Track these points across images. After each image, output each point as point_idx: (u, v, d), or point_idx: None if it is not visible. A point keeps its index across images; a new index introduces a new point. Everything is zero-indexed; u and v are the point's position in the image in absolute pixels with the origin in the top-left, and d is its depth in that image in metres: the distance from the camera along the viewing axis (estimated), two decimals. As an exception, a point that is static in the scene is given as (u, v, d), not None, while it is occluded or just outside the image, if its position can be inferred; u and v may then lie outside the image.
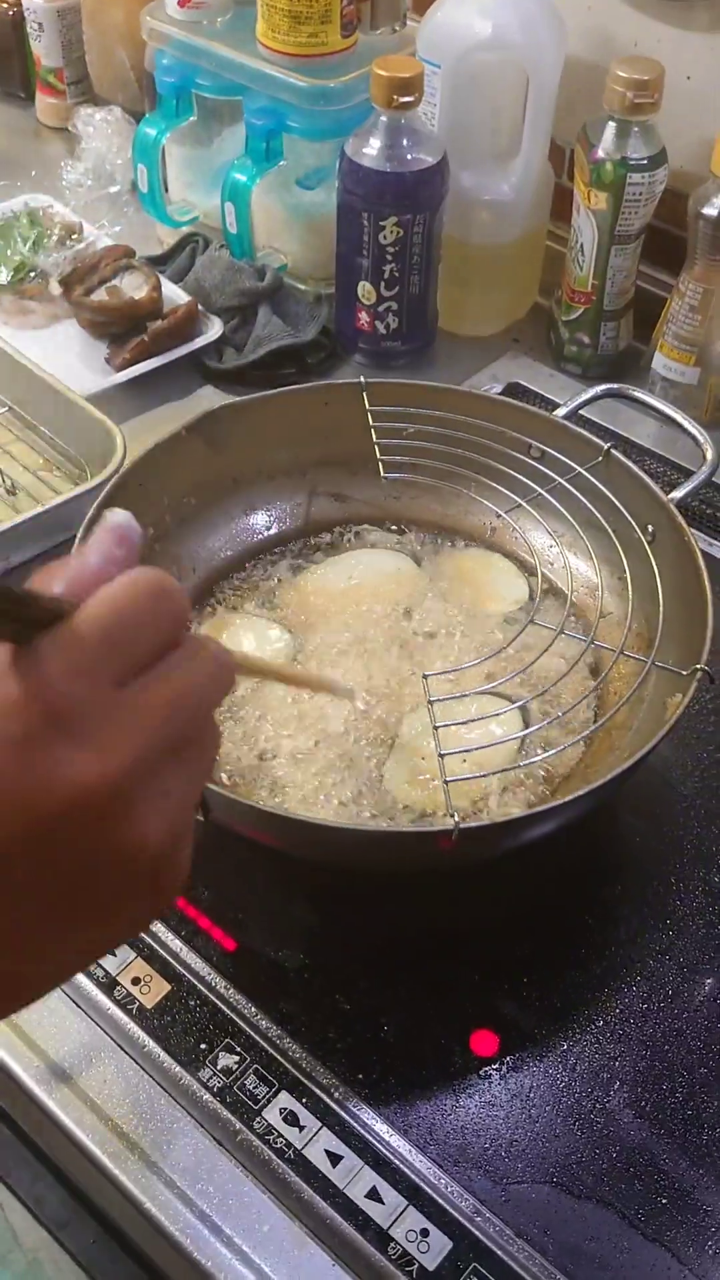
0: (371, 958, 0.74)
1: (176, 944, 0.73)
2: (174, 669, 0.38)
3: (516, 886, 0.76)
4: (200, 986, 0.71)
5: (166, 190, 1.22)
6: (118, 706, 0.37)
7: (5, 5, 1.38)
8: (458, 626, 0.84)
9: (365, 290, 1.08)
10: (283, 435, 0.89)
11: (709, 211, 0.98)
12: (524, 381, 1.11)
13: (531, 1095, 0.68)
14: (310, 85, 1.06)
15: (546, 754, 0.74)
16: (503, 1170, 0.65)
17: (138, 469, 0.82)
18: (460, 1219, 0.63)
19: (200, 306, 1.12)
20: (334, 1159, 0.65)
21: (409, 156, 1.02)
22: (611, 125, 1.01)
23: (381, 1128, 0.66)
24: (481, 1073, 0.69)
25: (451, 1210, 0.63)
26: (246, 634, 0.83)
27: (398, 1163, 0.65)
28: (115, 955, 0.72)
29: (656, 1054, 0.70)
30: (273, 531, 0.90)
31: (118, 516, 0.41)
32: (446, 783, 0.68)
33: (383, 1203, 0.64)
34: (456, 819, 0.64)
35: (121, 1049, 0.69)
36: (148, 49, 1.17)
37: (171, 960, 0.72)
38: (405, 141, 1.02)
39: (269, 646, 0.83)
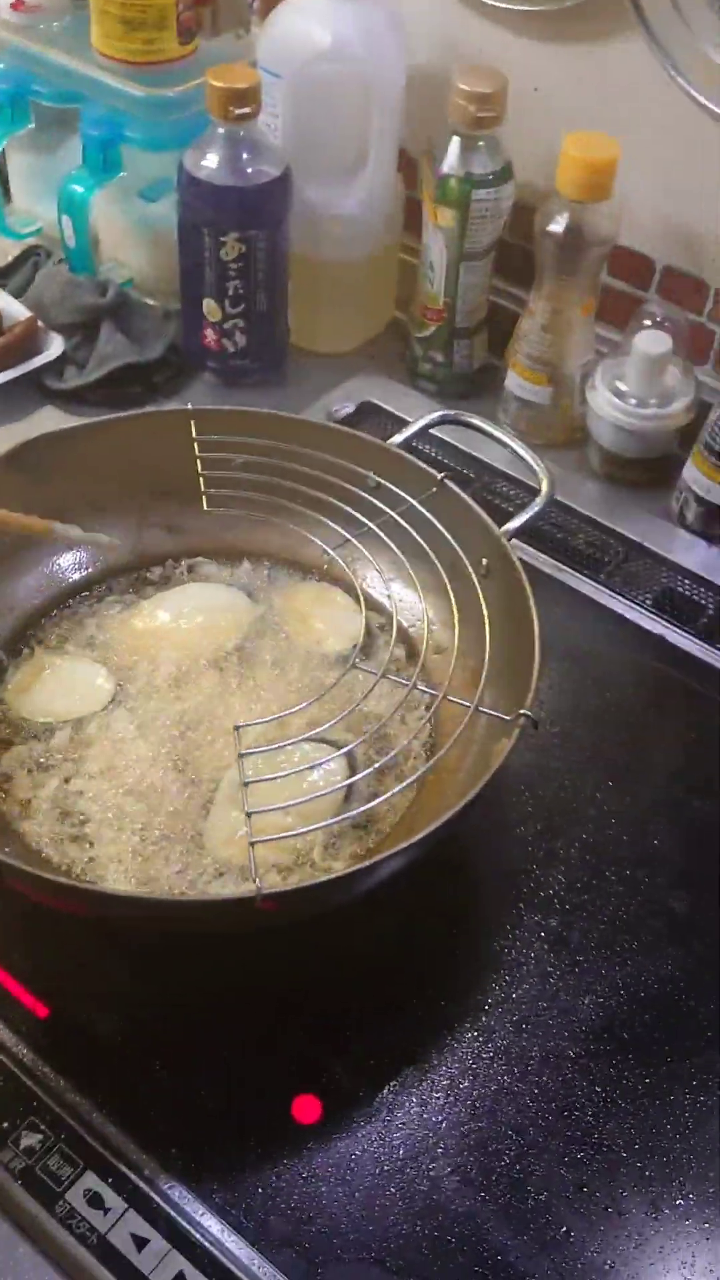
0: (193, 1019, 0.70)
1: (-18, 1013, 0.69)
2: None
3: (346, 939, 0.73)
4: (4, 1059, 0.67)
5: (9, 200, 1.17)
6: None
7: None
8: (288, 666, 0.80)
9: (210, 307, 1.04)
10: (109, 465, 0.84)
11: (554, 229, 0.96)
12: (377, 400, 1.08)
13: (353, 1164, 0.65)
14: (147, 94, 1.02)
15: (366, 805, 0.71)
16: (320, 1247, 0.62)
17: (-54, 504, 0.78)
18: (271, 1305, 0.60)
19: (40, 323, 1.07)
20: (140, 1242, 0.62)
21: (250, 170, 0.98)
22: (456, 140, 0.98)
23: (193, 1207, 0.63)
24: (303, 1141, 0.66)
25: (262, 1295, 0.60)
26: (67, 675, 0.79)
27: (208, 1244, 0.62)
28: None
29: (485, 1114, 0.67)
30: (99, 566, 0.86)
31: None
32: (253, 844, 0.64)
33: (190, 1290, 0.60)
34: (259, 884, 0.60)
35: None
36: (-16, 53, 1.12)
37: (-26, 1032, 0.68)
38: (245, 154, 0.98)
39: (92, 687, 0.79)
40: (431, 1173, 0.65)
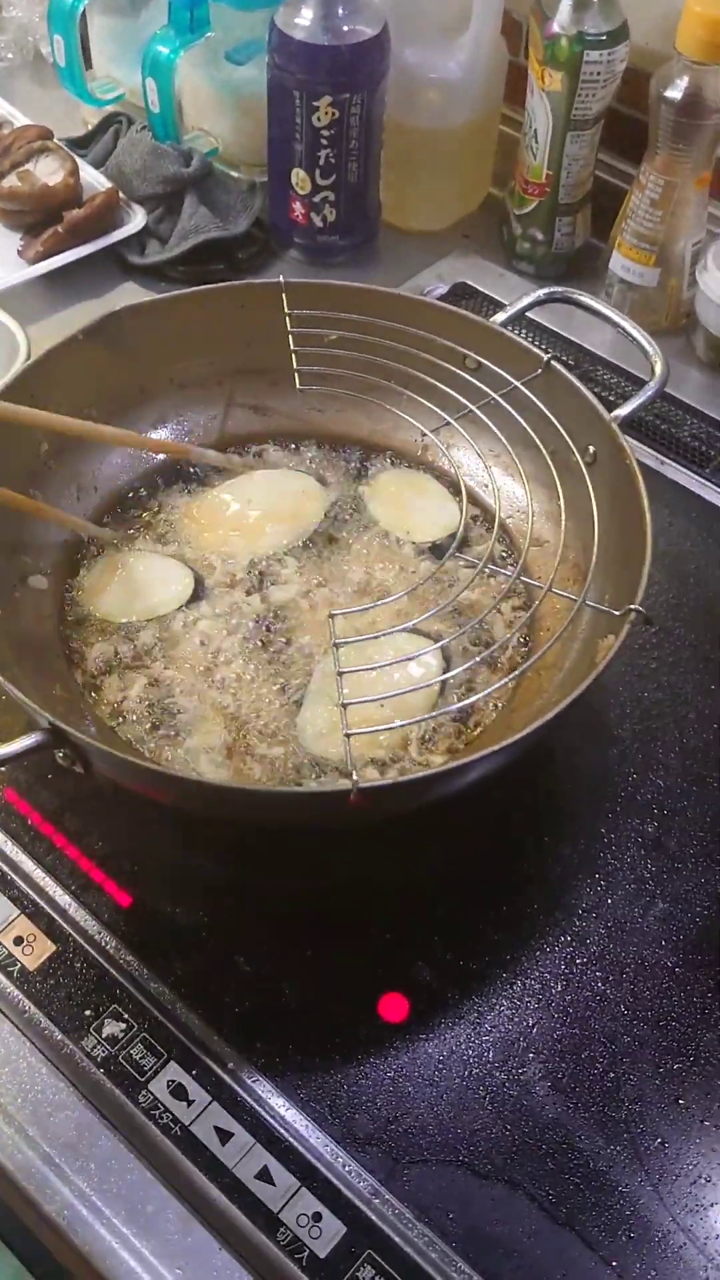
0: (277, 916, 0.69)
1: (65, 899, 0.68)
2: None
3: (434, 839, 0.71)
4: (88, 947, 0.66)
5: (90, 65, 1.12)
6: None
7: None
8: (378, 556, 0.77)
9: (300, 178, 0.99)
10: (194, 340, 0.81)
11: (672, 94, 0.90)
12: (472, 281, 1.03)
13: (441, 1065, 0.64)
14: (238, -56, 0.96)
15: (465, 700, 0.68)
16: (405, 1148, 0.61)
17: (29, 376, 0.75)
18: (356, 1202, 0.59)
19: (121, 194, 1.02)
20: (224, 1136, 0.61)
21: (345, 28, 0.92)
22: (568, -5, 0.91)
23: (277, 1102, 0.62)
24: (389, 1041, 0.64)
25: (347, 1192, 0.59)
26: (143, 572, 0.76)
27: (292, 1140, 0.60)
28: (-3, 912, 0.67)
29: (578, 1021, 0.65)
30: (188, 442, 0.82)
31: None
32: (348, 736, 0.62)
33: (274, 1184, 0.59)
34: (355, 778, 0.58)
35: (1, 1014, 0.64)
36: None
37: (58, 918, 0.67)
38: (341, 11, 0.92)
39: (170, 583, 0.76)
40: (521, 1077, 0.63)
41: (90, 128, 1.11)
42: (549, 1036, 0.65)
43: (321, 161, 0.97)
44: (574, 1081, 0.63)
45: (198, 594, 0.76)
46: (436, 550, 0.78)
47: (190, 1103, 0.61)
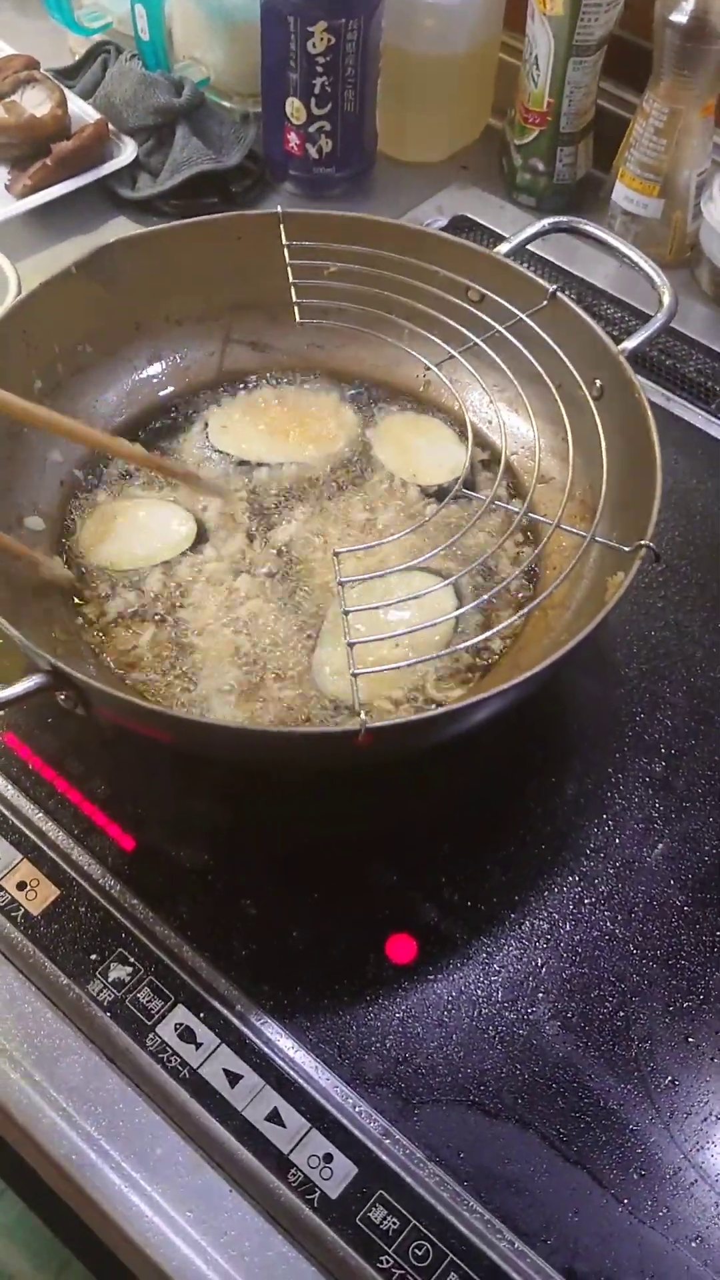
0: (282, 858, 0.68)
1: (68, 843, 0.67)
2: None
3: (440, 781, 0.70)
4: (92, 891, 0.65)
5: (76, -9, 1.08)
6: None
7: None
8: (384, 495, 0.75)
9: (294, 108, 0.96)
10: (191, 274, 0.79)
11: (677, 18, 0.87)
12: (471, 214, 1.01)
13: (450, 1005, 0.63)
14: None
15: (476, 638, 0.67)
16: (415, 1088, 0.60)
17: (20, 312, 0.73)
18: (367, 1142, 0.59)
19: (111, 126, 1.00)
20: (233, 1078, 0.60)
21: (340, -51, 0.90)
22: None
23: (285, 1044, 0.61)
24: (397, 981, 0.64)
25: (358, 1133, 0.59)
26: (143, 519, 0.75)
27: (301, 1082, 0.60)
28: (-2, 858, 0.66)
29: (586, 960, 0.65)
30: (178, 386, 0.81)
31: None
32: (355, 676, 0.61)
33: (284, 1126, 0.59)
34: (364, 718, 0.57)
35: (5, 959, 0.64)
36: None
37: (61, 862, 0.66)
38: (336, -69, 0.89)
39: (171, 528, 0.74)
40: (531, 1017, 0.63)
41: (77, 58, 1.08)
42: (558, 976, 0.64)
43: (317, 90, 0.95)
44: (584, 1021, 0.63)
45: (201, 536, 0.75)
46: (442, 494, 0.76)
47: (198, 1045, 0.61)
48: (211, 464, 0.77)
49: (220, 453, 0.77)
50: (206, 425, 0.79)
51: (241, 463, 0.77)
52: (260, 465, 0.77)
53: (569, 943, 0.65)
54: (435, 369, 0.73)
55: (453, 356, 0.73)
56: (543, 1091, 0.61)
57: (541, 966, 0.65)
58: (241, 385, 0.81)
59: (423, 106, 1.03)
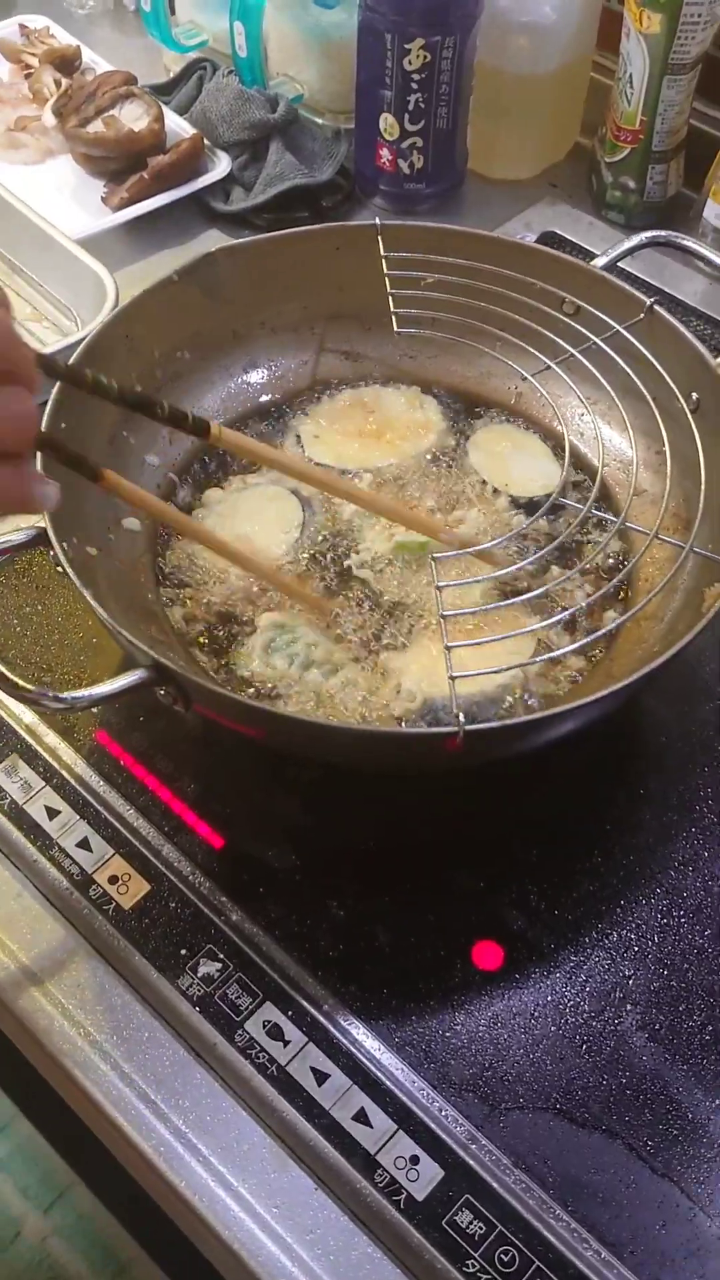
0: (369, 860, 0.68)
1: (158, 840, 0.68)
2: None
3: (529, 786, 0.70)
4: (182, 887, 0.66)
5: (173, 10, 1.10)
6: None
7: None
8: (478, 504, 0.76)
9: (388, 124, 0.97)
10: (288, 284, 0.80)
11: (776, 36, 0.87)
12: (561, 231, 1.01)
13: (536, 1013, 0.63)
14: None
15: (565, 648, 0.67)
16: (502, 1094, 0.60)
17: (124, 319, 0.74)
18: (454, 1146, 0.59)
19: (206, 141, 1.02)
20: (320, 1077, 0.60)
21: (440, -32, 0.91)
22: (669, -66, 0.89)
23: (373, 1045, 0.61)
24: (483, 988, 0.64)
25: (444, 1136, 0.59)
26: (263, 506, 0.76)
27: (388, 1083, 0.60)
28: (91, 851, 0.67)
29: (674, 973, 0.64)
30: (274, 394, 0.82)
31: None
32: (453, 679, 0.61)
33: (371, 1126, 0.59)
34: (463, 720, 0.57)
35: (96, 952, 0.65)
36: None
37: (152, 858, 0.67)
38: (436, -49, 0.90)
39: (279, 518, 0.75)
40: (618, 1027, 0.63)
41: (173, 74, 1.10)
42: (646, 988, 0.64)
43: (411, 107, 0.96)
44: (671, 1033, 0.62)
45: (301, 530, 0.76)
46: (533, 506, 0.76)
47: (286, 1043, 0.61)
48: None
49: (319, 464, 0.78)
50: (299, 438, 0.80)
51: (342, 471, 0.78)
52: (363, 472, 0.77)
53: (656, 955, 0.65)
54: (531, 378, 0.73)
55: (548, 368, 0.74)
56: (630, 1102, 0.60)
57: (629, 977, 0.64)
58: (326, 392, 0.82)
59: (513, 124, 1.03)
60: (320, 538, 0.75)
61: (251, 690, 0.68)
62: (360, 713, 0.67)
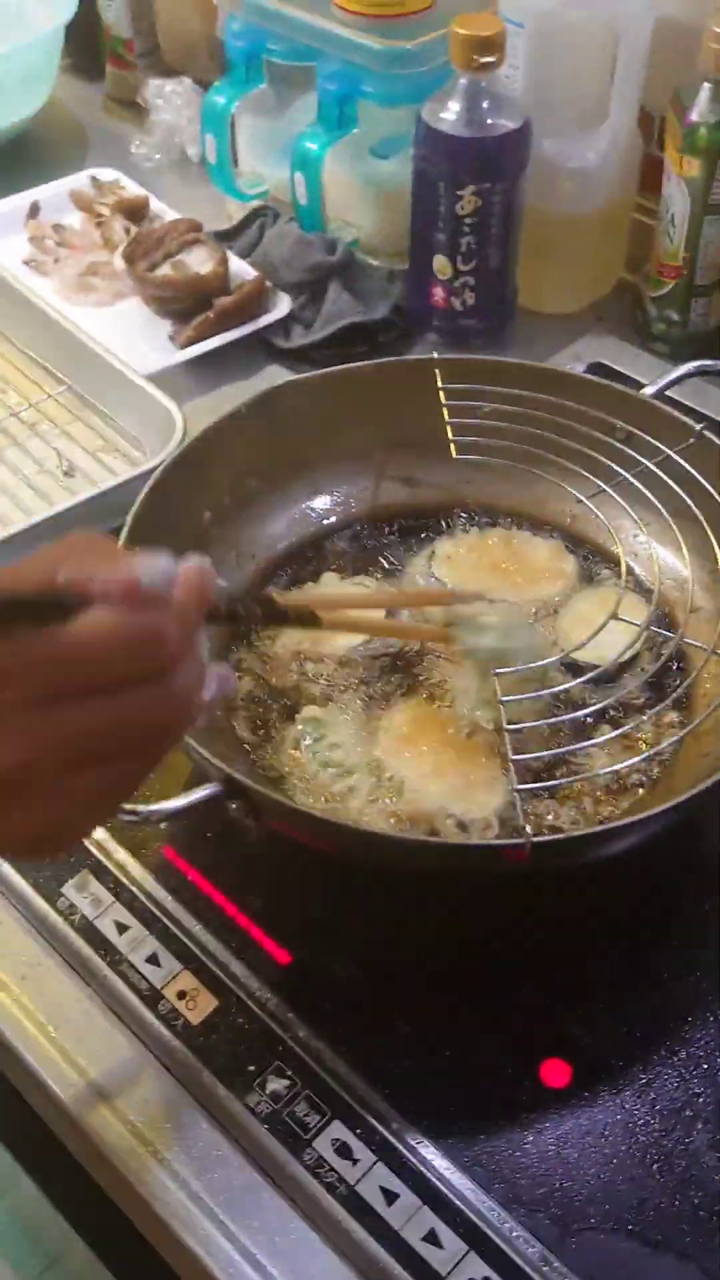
0: (434, 976, 0.69)
1: (225, 955, 0.68)
2: (112, 703, 0.43)
3: (594, 899, 0.70)
4: (250, 1003, 0.66)
5: (236, 162, 1.17)
6: (20, 715, 0.42)
7: (75, -25, 1.34)
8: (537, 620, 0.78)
9: (441, 264, 1.02)
10: (349, 415, 0.83)
11: None
12: (608, 361, 1.05)
13: (606, 1132, 0.63)
14: (386, 47, 1.00)
15: (627, 761, 0.68)
16: (573, 1214, 0.60)
17: (194, 449, 0.78)
18: (526, 1268, 0.58)
19: (268, 282, 1.07)
20: (390, 1196, 0.60)
21: (489, 121, 0.96)
22: (707, 87, 0.94)
23: (442, 1164, 0.61)
24: (552, 1106, 0.63)
25: (516, 1258, 0.58)
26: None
27: (458, 1203, 0.60)
28: (160, 966, 0.68)
29: (745, 1091, 0.64)
30: (336, 518, 0.85)
31: (196, 562, 0.47)
32: (517, 791, 0.62)
33: (441, 1247, 0.58)
34: (529, 831, 0.58)
35: (165, 1068, 0.65)
36: (219, 15, 1.12)
37: (220, 973, 0.68)
38: (485, 105, 0.96)
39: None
40: (690, 1146, 0.62)
41: (236, 221, 1.16)
42: (716, 1106, 0.63)
43: (463, 248, 1.00)
44: (745, 1153, 0.62)
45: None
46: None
47: (355, 1162, 0.61)
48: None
49: (437, 579, 0.81)
50: (434, 553, 0.82)
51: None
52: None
53: (727, 1073, 0.65)
54: (587, 501, 0.76)
55: (602, 491, 0.76)
56: (704, 1224, 0.59)
57: (699, 1095, 0.64)
58: (475, 524, 0.85)
59: (561, 261, 1.08)
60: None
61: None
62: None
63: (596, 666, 0.71)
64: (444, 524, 0.85)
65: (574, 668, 0.73)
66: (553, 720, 0.69)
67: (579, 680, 0.70)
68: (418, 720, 0.73)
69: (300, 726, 0.73)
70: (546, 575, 0.80)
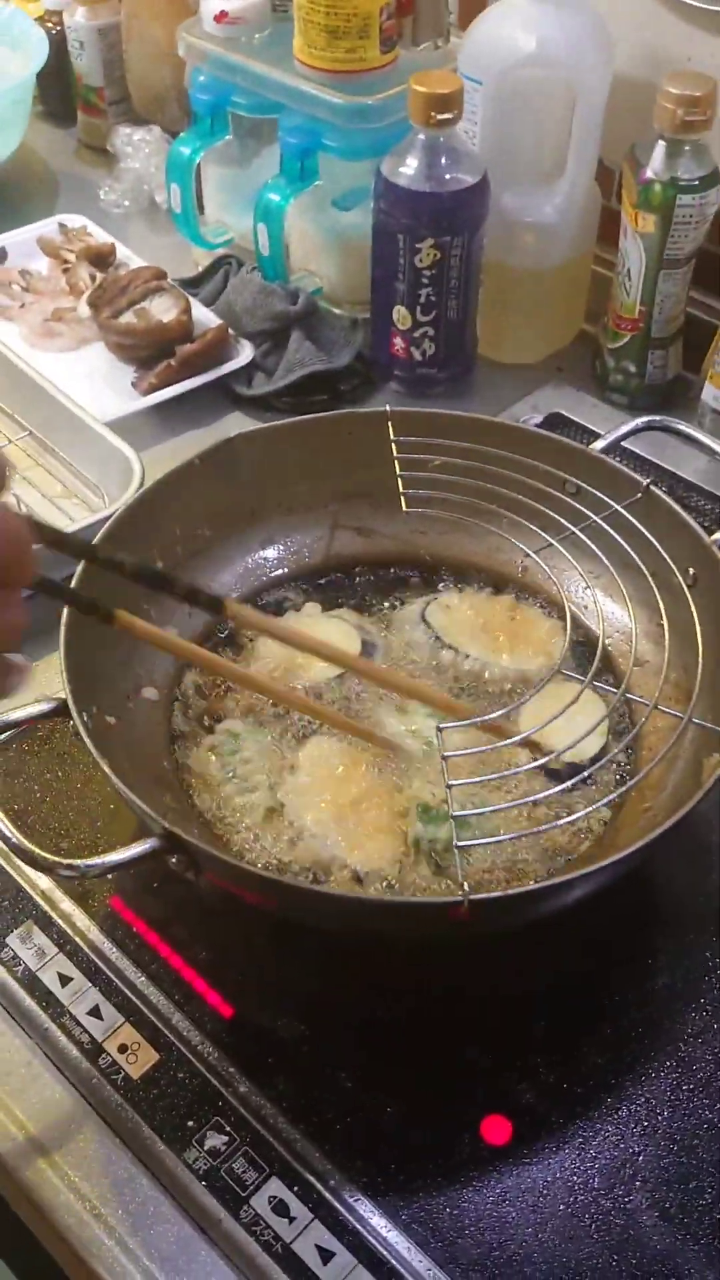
0: (377, 1030, 0.68)
1: (168, 1009, 0.68)
2: None
3: (536, 955, 0.70)
4: (191, 1057, 0.66)
5: (202, 211, 1.18)
6: None
7: (48, 24, 1.36)
8: (480, 676, 0.78)
9: (401, 315, 1.03)
10: (303, 465, 0.84)
11: (763, 234, 0.93)
12: (566, 412, 1.06)
13: (545, 1190, 0.62)
14: (347, 102, 1.02)
15: (572, 816, 0.68)
16: (510, 1274, 0.59)
17: (148, 498, 0.78)
18: (461, 1331, 0.57)
19: (231, 331, 1.08)
20: (325, 1255, 0.60)
21: (447, 176, 0.97)
22: (661, 145, 0.95)
23: (379, 1222, 0.61)
24: (491, 1163, 0.63)
25: (451, 1320, 0.58)
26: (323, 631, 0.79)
27: (394, 1262, 0.59)
28: (102, 1019, 0.68)
29: (685, 1149, 0.64)
30: (288, 568, 0.85)
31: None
32: (459, 847, 0.62)
33: (376, 1308, 0.58)
34: (467, 889, 0.58)
35: (104, 1123, 0.65)
36: (186, 67, 1.14)
37: (162, 1027, 0.67)
38: (444, 160, 0.97)
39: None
40: (628, 1205, 0.62)
41: (201, 269, 1.17)
42: (655, 1164, 0.63)
43: (422, 299, 1.02)
44: (682, 1212, 0.62)
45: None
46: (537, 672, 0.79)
47: (292, 1219, 0.61)
48: (418, 635, 0.81)
49: (428, 625, 0.81)
50: (435, 600, 0.83)
51: (447, 646, 0.80)
52: (466, 656, 0.80)
53: (666, 1130, 0.65)
54: (535, 556, 0.76)
55: (550, 545, 0.77)
56: (641, 1286, 0.59)
57: (639, 1154, 0.64)
58: (488, 587, 0.85)
59: (521, 313, 1.09)
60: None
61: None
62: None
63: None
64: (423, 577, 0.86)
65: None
66: (494, 776, 0.69)
67: (531, 765, 0.71)
68: (328, 760, 0.73)
69: (218, 736, 0.75)
70: (534, 651, 0.80)
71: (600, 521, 0.76)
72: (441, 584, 0.85)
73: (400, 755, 0.72)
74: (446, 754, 0.67)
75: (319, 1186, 0.62)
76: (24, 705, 0.68)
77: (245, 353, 1.07)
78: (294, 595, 0.85)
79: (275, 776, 0.73)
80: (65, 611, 0.68)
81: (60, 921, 0.72)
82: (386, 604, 0.85)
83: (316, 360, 1.06)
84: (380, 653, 0.80)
